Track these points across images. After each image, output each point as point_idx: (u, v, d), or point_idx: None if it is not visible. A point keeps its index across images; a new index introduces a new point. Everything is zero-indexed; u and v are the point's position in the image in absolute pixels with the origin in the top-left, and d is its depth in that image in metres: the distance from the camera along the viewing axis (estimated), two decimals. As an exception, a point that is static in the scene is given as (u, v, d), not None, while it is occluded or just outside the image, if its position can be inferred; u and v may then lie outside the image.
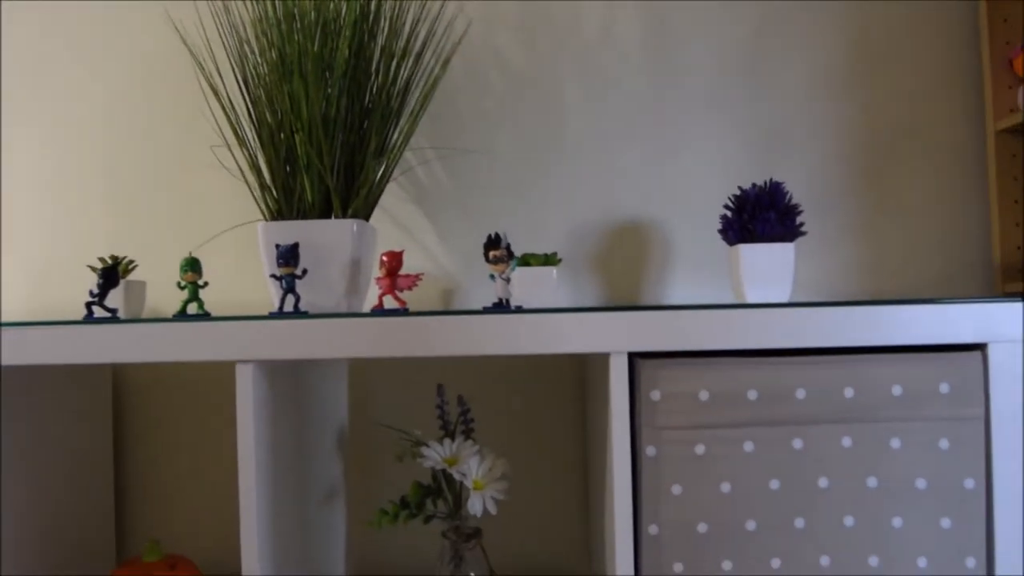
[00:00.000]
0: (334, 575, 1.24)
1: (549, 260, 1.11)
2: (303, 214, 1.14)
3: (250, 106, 1.18)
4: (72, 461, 1.24)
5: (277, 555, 0.99)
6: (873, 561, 0.92)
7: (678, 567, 0.91)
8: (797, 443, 0.91)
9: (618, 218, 1.37)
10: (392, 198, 1.38)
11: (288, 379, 1.06)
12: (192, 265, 1.08)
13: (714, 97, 1.37)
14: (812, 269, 1.36)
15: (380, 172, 1.18)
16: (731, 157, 1.36)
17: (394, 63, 1.18)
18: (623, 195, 1.37)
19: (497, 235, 1.04)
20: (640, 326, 0.90)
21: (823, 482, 0.92)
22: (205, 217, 1.41)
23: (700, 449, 0.91)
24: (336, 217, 1.13)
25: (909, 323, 0.91)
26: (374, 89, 1.18)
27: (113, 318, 0.99)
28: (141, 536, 1.40)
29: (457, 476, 1.05)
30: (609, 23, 1.38)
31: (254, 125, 1.17)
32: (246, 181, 1.19)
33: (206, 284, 1.09)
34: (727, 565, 0.91)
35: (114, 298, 1.17)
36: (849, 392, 0.91)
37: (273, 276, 1.07)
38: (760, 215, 1.10)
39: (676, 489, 0.91)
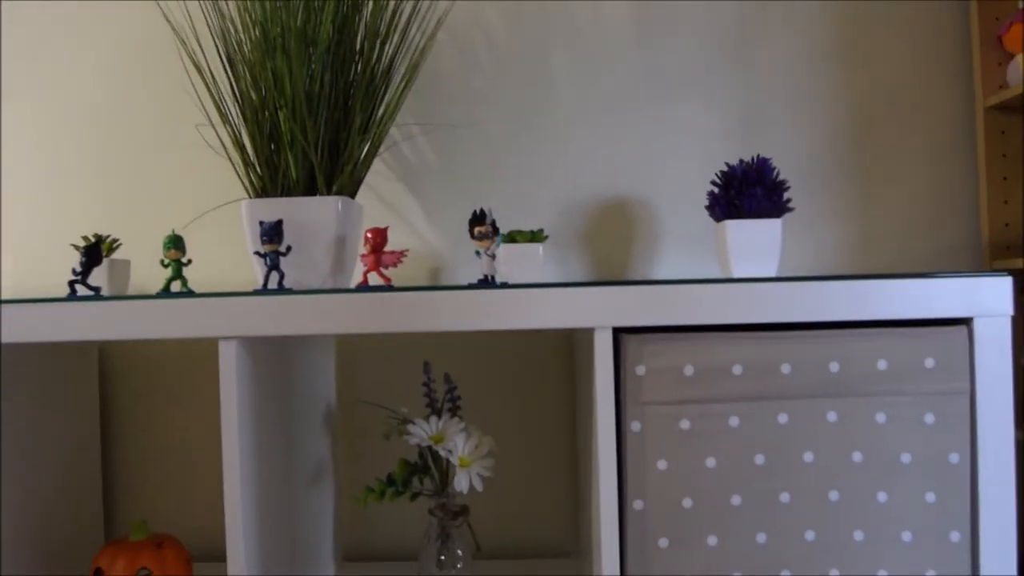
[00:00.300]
0: (323, 553, 1.24)
1: (535, 237, 1.10)
2: (287, 191, 1.14)
3: (233, 83, 1.16)
4: (59, 441, 1.23)
5: (263, 533, 0.99)
6: (858, 535, 0.92)
7: (663, 542, 0.91)
8: (782, 418, 0.91)
9: (605, 195, 1.36)
10: (378, 176, 1.37)
11: (273, 357, 1.05)
12: (175, 243, 1.07)
13: (702, 73, 1.36)
14: (800, 246, 1.35)
15: (365, 149, 1.17)
16: (719, 133, 1.36)
17: (378, 39, 1.17)
18: (610, 172, 1.36)
19: (482, 211, 1.03)
20: (625, 301, 0.89)
21: (808, 457, 0.92)
22: (189, 196, 1.40)
23: (685, 424, 0.91)
24: (321, 194, 1.12)
25: (894, 298, 0.91)
26: (359, 65, 1.17)
27: (96, 296, 0.98)
28: (129, 516, 1.40)
29: (443, 453, 1.04)
30: (597, -1, 1.37)
31: (237, 102, 1.16)
32: (230, 159, 1.18)
33: (189, 262, 1.09)
34: (712, 540, 0.91)
35: (98, 277, 1.16)
36: (834, 367, 0.91)
37: (257, 253, 1.06)
38: (747, 191, 1.09)
39: (661, 464, 0.91)
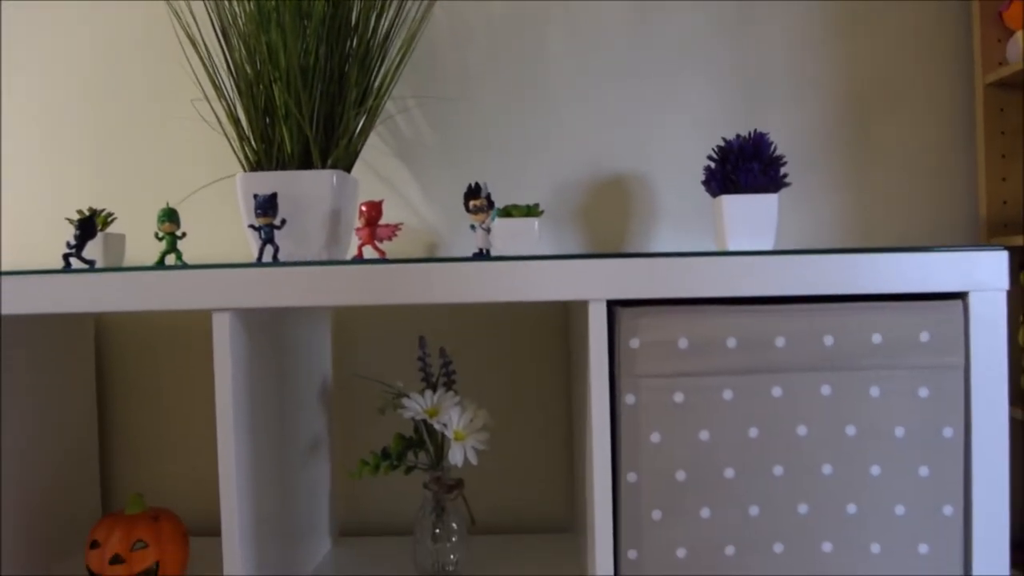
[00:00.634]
0: (319, 528, 1.24)
1: (531, 211, 1.10)
2: (282, 165, 1.13)
3: (228, 56, 1.16)
4: (57, 416, 1.23)
5: (257, 508, 0.99)
6: (851, 509, 0.92)
7: (656, 514, 0.92)
8: (776, 391, 0.91)
9: (602, 170, 1.36)
10: (374, 151, 1.37)
11: (268, 331, 1.05)
12: (170, 215, 1.07)
13: (699, 49, 1.35)
14: (797, 222, 1.35)
15: (360, 123, 1.17)
16: (716, 109, 1.35)
17: (374, 12, 1.16)
18: (607, 147, 1.36)
19: (477, 184, 1.03)
20: (619, 273, 0.89)
21: (802, 430, 0.92)
22: (185, 171, 1.39)
23: (679, 397, 0.91)
24: (316, 168, 1.12)
25: (890, 271, 0.90)
26: (354, 39, 1.16)
27: (90, 268, 0.98)
28: (127, 490, 1.40)
29: (438, 427, 1.04)
30: (595, -26, 1.36)
31: (232, 76, 1.15)
32: (225, 133, 1.17)
33: (184, 235, 1.08)
34: (705, 512, 0.92)
35: (93, 251, 1.16)
36: (829, 340, 0.91)
37: (252, 227, 1.05)
38: (743, 166, 1.09)
39: (655, 437, 0.91)
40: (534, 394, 1.36)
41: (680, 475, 0.91)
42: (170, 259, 1.08)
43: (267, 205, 1.03)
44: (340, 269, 0.91)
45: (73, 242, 1.05)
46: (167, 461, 1.40)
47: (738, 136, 1.11)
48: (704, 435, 0.91)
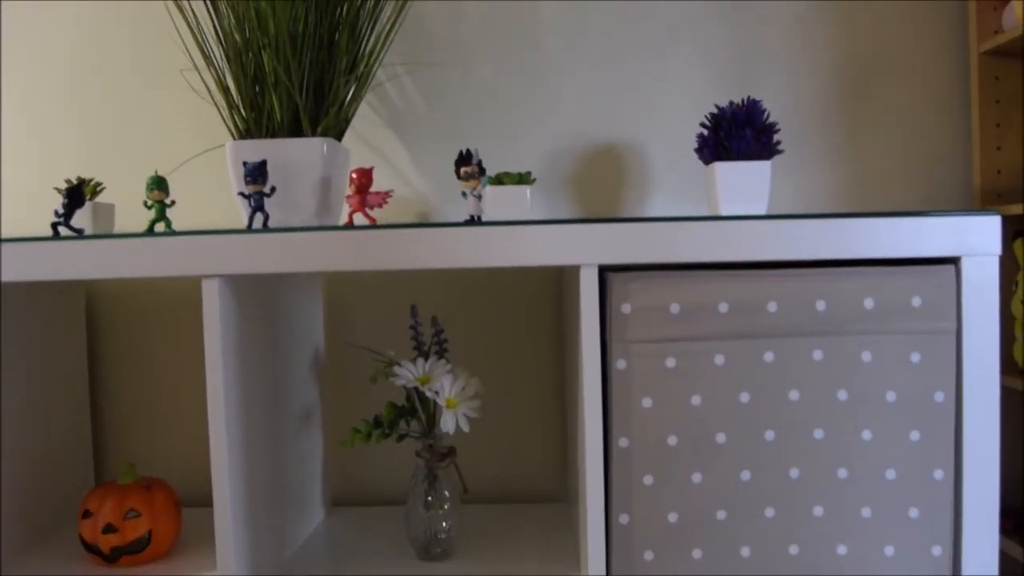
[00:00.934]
0: (312, 499, 1.24)
1: (523, 179, 1.09)
2: (272, 134, 1.12)
3: (216, 23, 1.14)
4: (49, 386, 1.23)
5: (249, 478, 0.99)
6: (842, 473, 0.92)
7: (648, 479, 0.92)
8: (768, 356, 0.91)
9: (595, 140, 1.35)
10: (365, 121, 1.36)
11: (259, 299, 1.04)
12: (159, 183, 1.06)
13: (693, 17, 1.34)
14: (790, 191, 1.34)
15: (351, 91, 1.16)
16: (709, 78, 1.34)
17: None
18: (600, 117, 1.35)
19: (468, 151, 1.02)
20: (611, 238, 0.89)
21: (793, 395, 0.92)
22: (175, 142, 1.38)
23: (671, 362, 0.91)
24: (306, 136, 1.11)
25: (882, 236, 0.90)
26: (344, 6, 1.15)
27: (78, 235, 0.97)
28: (120, 461, 1.40)
29: (429, 394, 1.04)
30: (587, -59, 1.35)
31: (221, 43, 1.14)
32: (214, 102, 1.16)
33: (173, 203, 1.08)
34: (696, 477, 0.92)
35: (82, 220, 1.15)
36: (821, 305, 0.91)
37: (241, 195, 1.05)
38: (736, 133, 1.08)
39: (646, 402, 0.91)
40: (527, 364, 1.36)
41: (672, 440, 0.91)
42: (159, 228, 1.07)
43: (256, 172, 1.03)
44: (330, 234, 0.90)
45: (61, 211, 1.05)
46: (160, 432, 1.40)
47: (731, 103, 1.11)
48: (696, 400, 0.91)
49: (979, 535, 0.92)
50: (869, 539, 0.92)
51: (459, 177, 1.03)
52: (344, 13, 1.14)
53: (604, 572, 0.92)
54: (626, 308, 0.90)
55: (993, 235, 0.90)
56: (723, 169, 1.08)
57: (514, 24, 1.35)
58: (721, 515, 0.92)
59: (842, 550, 0.92)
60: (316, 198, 1.10)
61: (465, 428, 1.03)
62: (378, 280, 1.37)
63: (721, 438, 0.92)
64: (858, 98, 1.34)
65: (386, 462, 1.38)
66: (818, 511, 0.92)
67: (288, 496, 1.13)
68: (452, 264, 0.89)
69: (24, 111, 1.40)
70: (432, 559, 1.10)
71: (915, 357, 0.91)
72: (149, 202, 1.07)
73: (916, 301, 0.91)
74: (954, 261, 0.92)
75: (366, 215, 1.03)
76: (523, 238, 0.89)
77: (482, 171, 1.03)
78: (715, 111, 1.11)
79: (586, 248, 0.89)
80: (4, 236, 1.40)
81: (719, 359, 0.91)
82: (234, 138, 1.14)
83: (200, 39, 1.15)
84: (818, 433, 0.92)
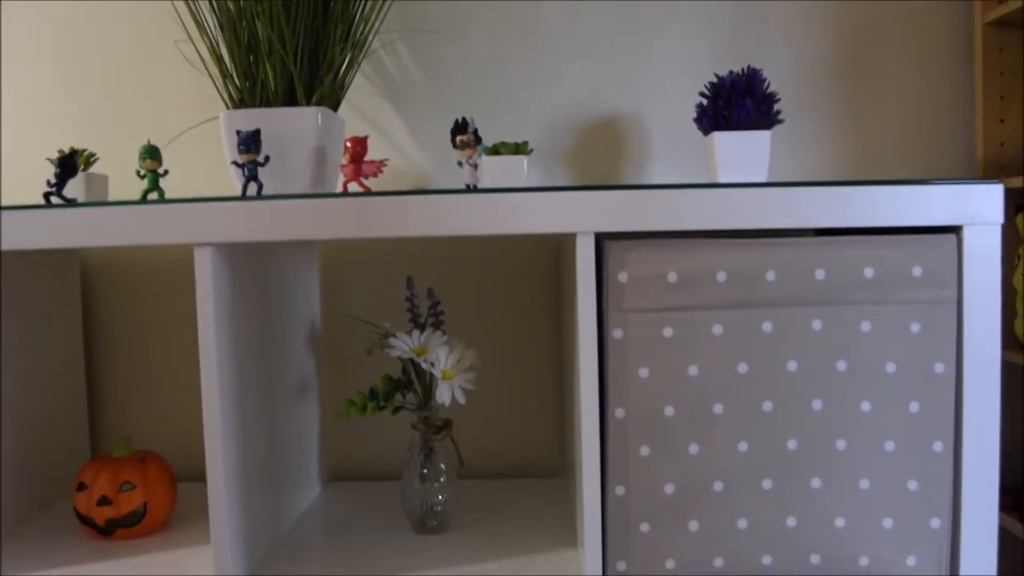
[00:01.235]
0: (308, 474, 1.23)
1: (520, 149, 1.08)
2: (267, 103, 1.11)
3: (210, -9, 1.13)
4: (43, 359, 1.22)
5: (244, 451, 0.98)
6: (840, 444, 0.91)
7: (644, 450, 0.91)
8: (766, 326, 0.90)
9: (594, 112, 1.33)
10: (362, 93, 1.34)
11: (254, 269, 1.03)
12: (151, 152, 1.05)
13: (694, -12, 1.33)
14: (791, 162, 1.33)
15: (346, 59, 1.14)
16: (710, 49, 1.32)
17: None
18: (599, 88, 1.33)
19: (464, 119, 1.01)
20: (607, 206, 0.88)
21: (792, 365, 0.91)
22: (170, 115, 1.37)
23: (668, 332, 0.90)
24: (300, 105, 1.10)
25: (883, 205, 0.89)
26: (339, -27, 1.13)
27: (69, 203, 0.96)
28: (117, 434, 1.40)
29: (425, 366, 1.03)
30: (587, -90, 1.33)
31: (214, 12, 1.13)
32: (208, 72, 1.15)
33: (166, 172, 1.07)
34: (693, 448, 0.91)
35: (76, 191, 1.13)
36: (820, 274, 0.90)
37: (235, 164, 1.04)
38: (736, 102, 1.07)
39: (643, 372, 0.90)
40: (526, 338, 1.35)
41: (668, 411, 0.91)
42: (152, 197, 1.06)
43: (250, 141, 1.01)
44: (324, 202, 0.89)
45: (54, 180, 1.04)
46: (157, 406, 1.39)
47: (731, 72, 1.09)
48: (693, 370, 0.90)
49: (978, 508, 0.91)
50: (867, 511, 0.92)
51: (455, 146, 1.01)
52: (339, -19, 1.13)
53: (600, 544, 0.91)
54: (623, 277, 0.89)
55: (995, 204, 0.89)
56: (722, 139, 1.07)
57: (512, -6, 1.33)
58: (718, 486, 0.91)
59: (840, 522, 0.92)
60: (311, 169, 1.08)
61: (461, 400, 1.02)
62: (374, 252, 1.36)
63: (718, 409, 0.91)
64: (860, 70, 1.33)
65: (384, 437, 1.38)
66: (816, 483, 0.92)
67: (284, 470, 1.13)
68: (447, 232, 0.88)
69: (17, 83, 1.38)
70: (428, 532, 1.10)
71: (915, 327, 0.90)
72: (142, 171, 1.06)
73: (917, 270, 0.90)
74: (955, 230, 0.90)
75: (361, 184, 1.02)
76: (519, 205, 0.88)
77: (478, 140, 1.01)
78: (714, 80, 1.10)
79: (582, 215, 0.88)
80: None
81: (717, 329, 0.90)
82: (228, 107, 1.13)
83: (194, 8, 1.13)
84: (816, 404, 0.91)
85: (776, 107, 1.09)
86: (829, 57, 1.32)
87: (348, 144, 1.01)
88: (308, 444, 1.24)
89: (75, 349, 1.32)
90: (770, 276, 0.89)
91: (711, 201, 0.88)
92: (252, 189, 1.01)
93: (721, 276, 0.89)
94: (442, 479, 1.08)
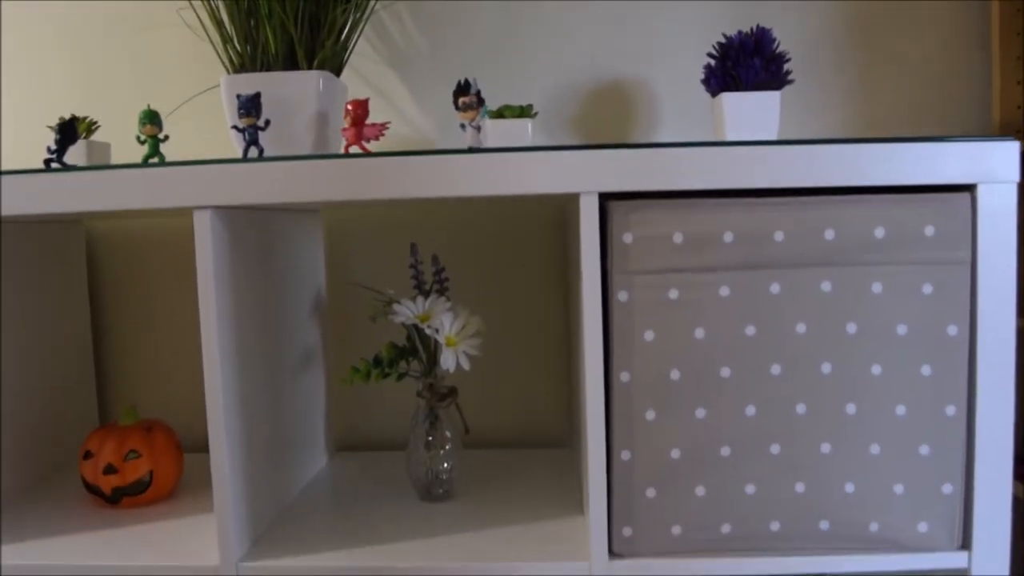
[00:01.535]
0: (314, 444, 1.23)
1: (524, 112, 1.05)
2: (267, 67, 1.09)
3: (209, -46, 1.11)
4: (50, 328, 1.22)
5: (247, 419, 0.97)
6: (850, 408, 0.90)
7: (650, 415, 0.90)
8: (774, 287, 0.88)
9: (601, 76, 1.31)
10: (364, 59, 1.33)
11: (257, 235, 1.02)
12: (151, 117, 1.04)
13: (703, -52, 1.30)
14: (801, 125, 1.30)
15: (349, 22, 1.12)
16: (719, 8, 1.30)
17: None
18: (607, 52, 1.31)
19: (467, 80, 0.99)
20: (612, 165, 0.86)
21: (800, 328, 0.89)
22: (172, 82, 1.36)
23: (674, 294, 0.88)
24: (301, 70, 1.08)
25: (895, 162, 0.86)
26: (340, -66, 1.11)
27: (67, 167, 0.95)
28: (124, 402, 1.40)
29: (429, 332, 1.02)
30: None
31: (215, -25, 1.11)
32: (208, 38, 1.14)
33: (167, 138, 1.06)
34: (700, 412, 0.90)
35: (77, 158, 1.12)
36: (830, 234, 0.88)
37: (235, 128, 1.02)
38: (745, 62, 1.04)
39: (649, 335, 0.89)
40: (531, 305, 1.34)
41: (674, 374, 0.89)
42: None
43: (250, 105, 1.00)
44: (325, 163, 0.88)
45: (54, 147, 1.03)
46: (163, 375, 1.39)
47: (740, 32, 1.07)
48: (699, 333, 0.89)
49: (992, 473, 0.89)
50: (878, 477, 0.90)
51: (457, 108, 1.00)
52: (340, -58, 1.11)
53: (605, 509, 0.90)
54: (628, 238, 0.88)
55: (1012, 161, 0.87)
56: (731, 100, 1.04)
57: (517, -43, 1.31)
58: (725, 451, 0.90)
59: (850, 488, 0.90)
60: (313, 134, 1.07)
61: (465, 366, 1.01)
62: (378, 220, 1.34)
63: (725, 372, 0.89)
64: (873, 30, 1.30)
65: (390, 408, 1.37)
66: (825, 448, 0.90)
67: (289, 440, 1.12)
68: (450, 192, 0.87)
69: (20, 52, 1.38)
70: (434, 500, 1.09)
71: (927, 288, 0.88)
72: (142, 137, 1.05)
73: (929, 230, 0.88)
74: (969, 189, 0.88)
75: (363, 148, 1.00)
76: (522, 165, 0.86)
77: (481, 102, 1.00)
78: (723, 40, 1.07)
79: (586, 175, 0.86)
80: None
81: (724, 290, 0.88)
82: (228, 72, 1.11)
83: (193, -28, 1.12)
84: (826, 367, 0.89)
85: (786, 67, 1.06)
86: (841, 17, 1.29)
87: (349, 107, 1.00)
88: (314, 414, 1.23)
89: (82, 319, 1.32)
90: (778, 236, 0.88)
91: (717, 160, 0.86)
92: (253, 153, 1.00)
93: (728, 237, 0.88)
94: (447, 447, 1.08)
